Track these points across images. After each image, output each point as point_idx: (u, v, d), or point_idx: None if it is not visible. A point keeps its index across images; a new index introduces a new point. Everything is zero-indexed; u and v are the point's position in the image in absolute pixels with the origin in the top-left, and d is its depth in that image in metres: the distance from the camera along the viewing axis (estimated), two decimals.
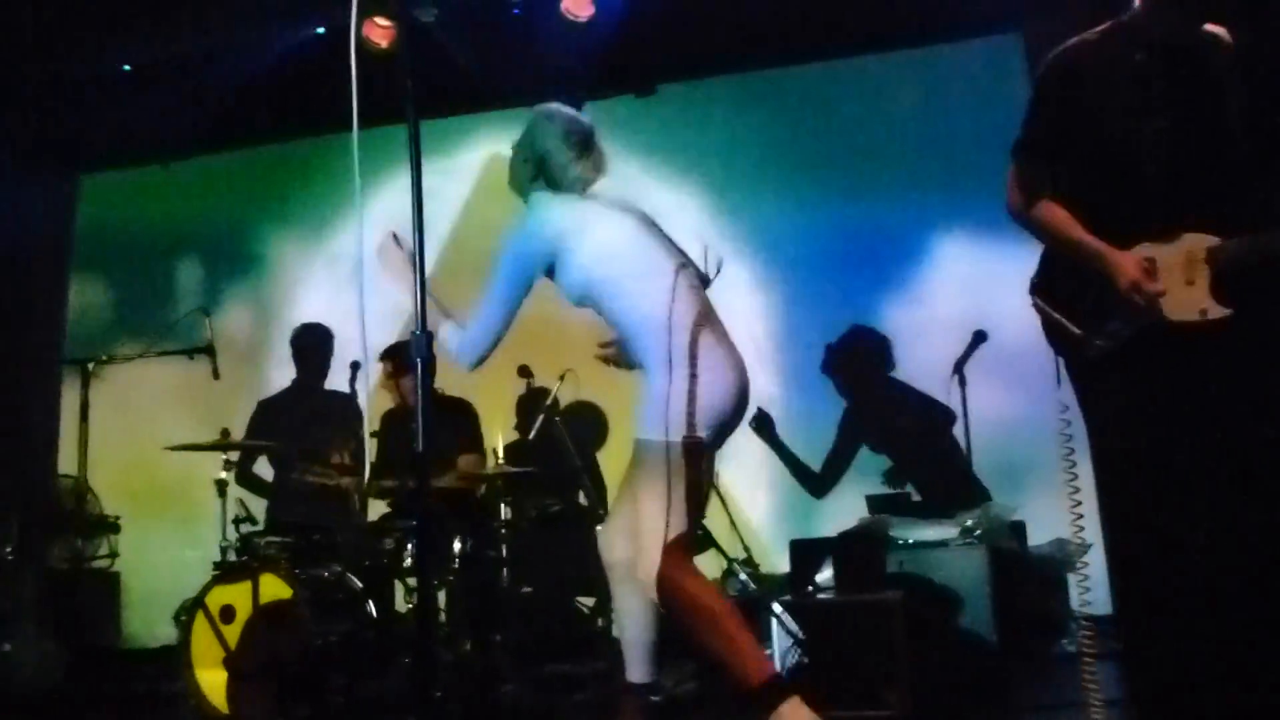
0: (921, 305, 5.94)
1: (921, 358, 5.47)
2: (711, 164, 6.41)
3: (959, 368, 5.11)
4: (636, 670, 3.23)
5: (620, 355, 3.23)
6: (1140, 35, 2.70)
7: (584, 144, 3.25)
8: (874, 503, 4.91)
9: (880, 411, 5.29)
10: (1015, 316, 3.11)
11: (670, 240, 3.20)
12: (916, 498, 5.04)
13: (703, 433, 2.89)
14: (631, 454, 2.99)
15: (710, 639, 2.86)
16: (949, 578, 4.16)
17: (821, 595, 3.99)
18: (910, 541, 4.31)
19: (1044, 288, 2.79)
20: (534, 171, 3.23)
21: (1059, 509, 2.90)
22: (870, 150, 6.15)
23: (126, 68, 5.96)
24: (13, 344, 6.79)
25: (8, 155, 6.60)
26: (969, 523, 4.33)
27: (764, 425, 5.27)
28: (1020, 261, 2.92)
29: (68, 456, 6.52)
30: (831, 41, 6.08)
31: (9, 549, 4.74)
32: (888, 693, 3.70)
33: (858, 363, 5.29)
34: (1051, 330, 2.77)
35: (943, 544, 4.29)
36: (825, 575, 4.27)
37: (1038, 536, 4.71)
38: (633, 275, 3.04)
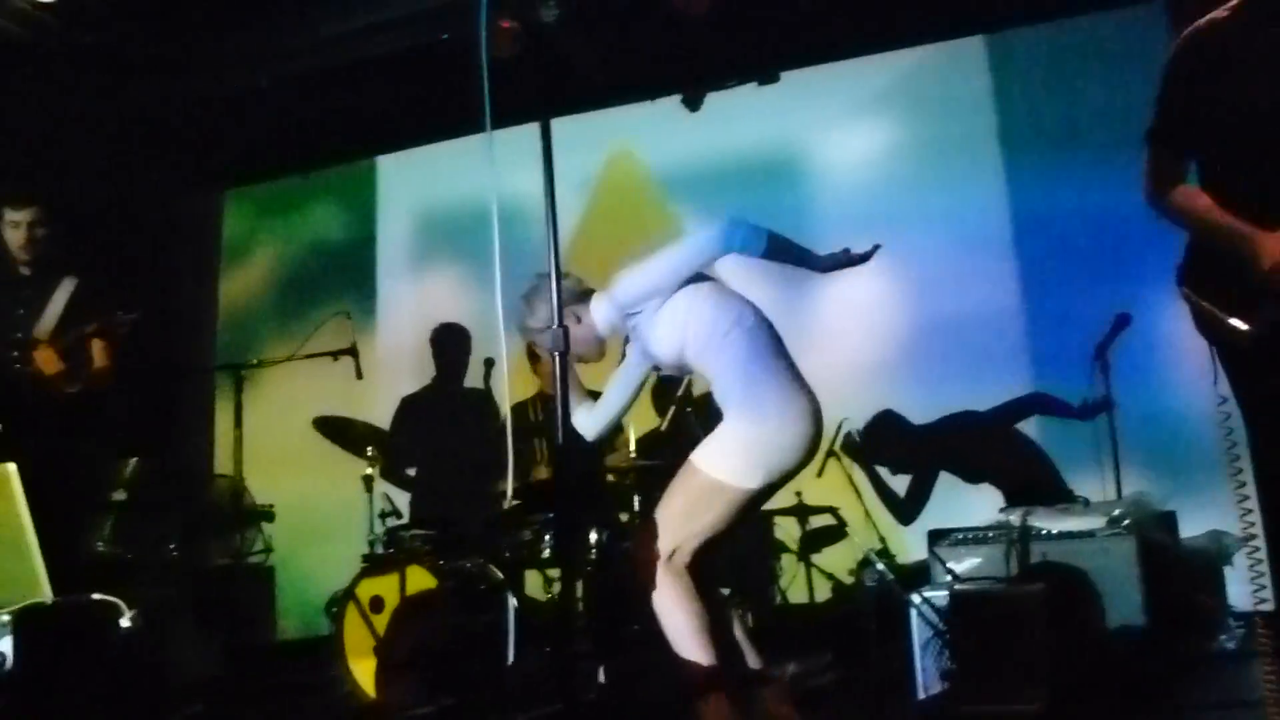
0: (1059, 287, 5.77)
1: (1061, 340, 5.35)
2: (837, 151, 6.34)
3: (1100, 352, 4.96)
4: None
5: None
6: None
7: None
8: (1013, 493, 4.81)
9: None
10: (1162, 300, 3.02)
11: (729, 291, 3.37)
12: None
13: (767, 481, 3.07)
14: (684, 467, 3.12)
15: (680, 644, 3.03)
16: (1095, 570, 4.03)
17: (961, 586, 3.92)
18: (1054, 532, 4.19)
19: (1192, 276, 2.70)
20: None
21: (1212, 500, 2.80)
22: (999, 131, 6.01)
23: (264, 84, 6.18)
24: (168, 352, 7.14)
25: (156, 174, 6.93)
26: (1116, 512, 4.18)
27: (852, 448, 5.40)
28: (1164, 243, 2.83)
29: (223, 457, 6.84)
30: (954, 19, 5.95)
31: (172, 546, 4.97)
32: (1030, 687, 3.63)
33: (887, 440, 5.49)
34: (1201, 319, 2.67)
35: (1089, 535, 4.15)
36: (965, 566, 4.21)
37: (1190, 528, 4.54)
38: (703, 335, 3.20)
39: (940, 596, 3.85)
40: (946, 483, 5.49)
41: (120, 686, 2.74)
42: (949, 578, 4.09)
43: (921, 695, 3.79)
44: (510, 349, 3.20)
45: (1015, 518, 4.25)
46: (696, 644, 3.00)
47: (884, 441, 5.49)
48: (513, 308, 3.30)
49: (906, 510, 5.50)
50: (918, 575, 4.34)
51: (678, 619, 3.02)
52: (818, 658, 4.48)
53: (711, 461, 3.07)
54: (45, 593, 2.30)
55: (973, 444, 5.39)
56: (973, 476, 5.34)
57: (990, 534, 4.25)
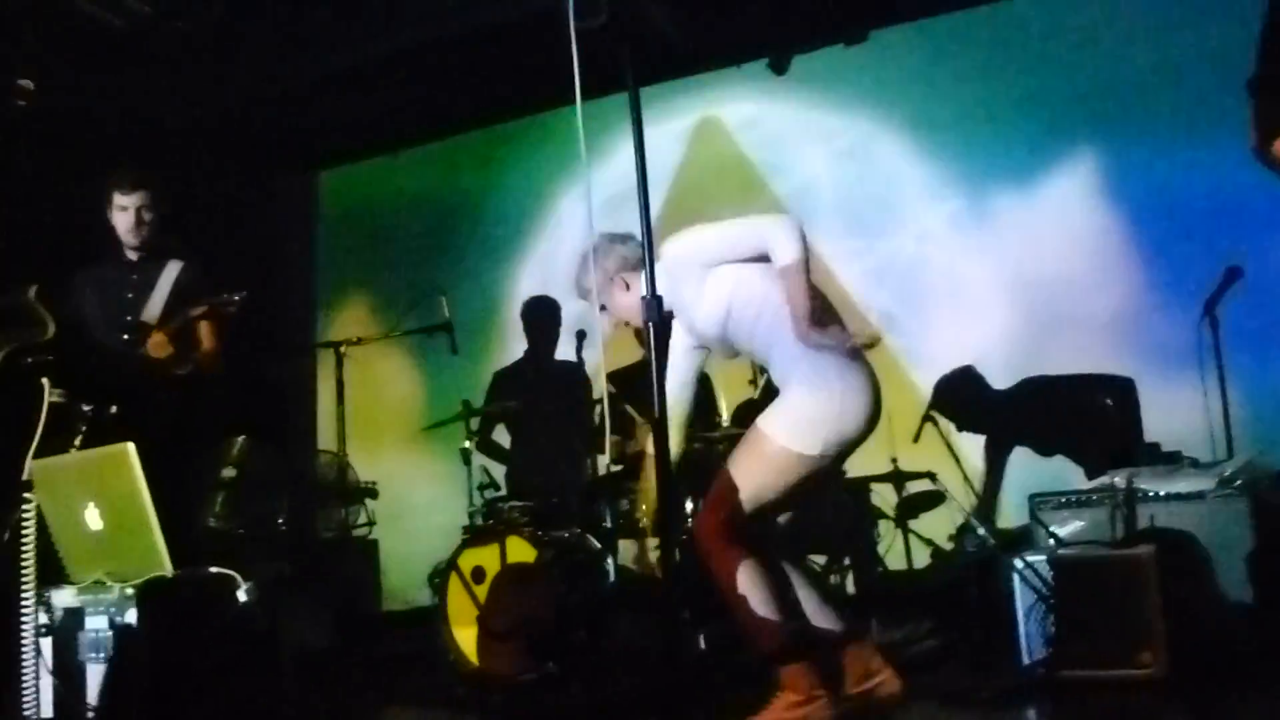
0: (1163, 241, 5.60)
1: (1167, 297, 5.20)
2: (927, 110, 6.22)
3: (1210, 307, 4.80)
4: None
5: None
6: None
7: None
8: (1118, 455, 4.69)
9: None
10: (1275, 250, 2.90)
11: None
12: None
13: (824, 451, 3.06)
14: (751, 432, 3.14)
15: (737, 605, 3.05)
16: (1206, 533, 3.93)
17: (1066, 550, 3.86)
18: (1162, 494, 4.09)
19: None
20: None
21: None
22: (1095, 84, 5.83)
23: (353, 64, 6.28)
24: (270, 333, 7.33)
25: (255, 156, 7.10)
26: (1228, 473, 4.06)
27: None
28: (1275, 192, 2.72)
29: (326, 434, 7.02)
30: None
31: (280, 521, 5.11)
32: (1141, 652, 3.57)
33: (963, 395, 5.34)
34: None
35: (1198, 496, 4.05)
36: (1068, 530, 4.13)
37: None
38: (751, 311, 3.16)
39: (1044, 561, 3.79)
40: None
41: (239, 656, 2.84)
42: (1052, 542, 4.03)
43: (1026, 661, 3.75)
44: (602, 321, 3.23)
45: (1120, 480, 4.15)
46: (759, 599, 3.03)
47: (961, 399, 5.34)
48: (605, 280, 3.32)
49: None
50: (1018, 540, 4.28)
51: (739, 578, 3.04)
52: (920, 624, 4.45)
53: (777, 428, 3.07)
54: (166, 567, 2.39)
55: (1056, 411, 5.21)
56: (1050, 449, 5.17)
57: (1094, 497, 4.17)
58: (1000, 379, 5.36)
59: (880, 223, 6.18)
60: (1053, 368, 5.32)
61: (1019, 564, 3.79)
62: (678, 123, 6.71)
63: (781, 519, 3.29)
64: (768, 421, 3.10)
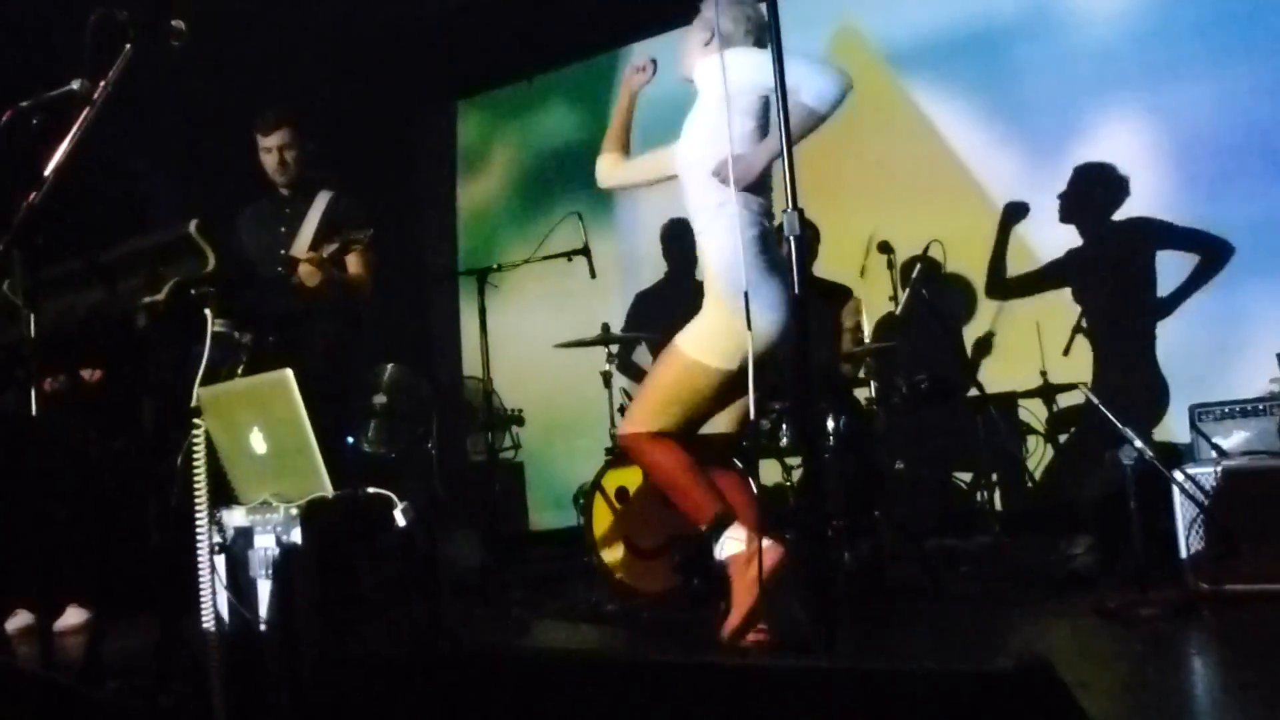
0: None
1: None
2: (1083, 4, 5.89)
3: None
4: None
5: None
6: None
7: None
8: None
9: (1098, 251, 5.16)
10: None
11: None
12: None
13: (731, 365, 3.08)
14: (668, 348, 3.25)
15: (670, 491, 3.22)
16: None
17: (1229, 462, 3.71)
18: None
19: None
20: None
21: None
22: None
23: None
24: (414, 260, 7.51)
25: (395, 86, 7.21)
26: None
27: (1016, 214, 5.44)
28: None
29: (470, 359, 7.18)
30: None
31: (430, 445, 5.26)
32: None
33: (1084, 199, 5.28)
34: None
35: None
36: (1232, 441, 3.96)
37: None
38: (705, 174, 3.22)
39: (1206, 474, 3.66)
40: (1207, 356, 5.14)
41: (400, 573, 2.96)
42: (1214, 454, 3.87)
43: (1188, 576, 3.64)
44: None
45: None
46: (681, 484, 3.14)
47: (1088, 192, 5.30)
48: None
49: (1000, 287, 5.53)
50: (1178, 454, 4.12)
51: (659, 465, 3.16)
52: (1077, 539, 4.36)
53: (687, 341, 3.18)
54: (327, 488, 2.49)
55: None
56: None
57: (1260, 406, 3.98)
58: None
59: (1028, 129, 5.89)
60: None
61: (1180, 476, 3.66)
62: (816, 32, 6.52)
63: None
64: (682, 335, 3.21)
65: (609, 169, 3.72)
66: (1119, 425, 3.88)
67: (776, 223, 3.12)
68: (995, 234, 5.52)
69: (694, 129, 3.28)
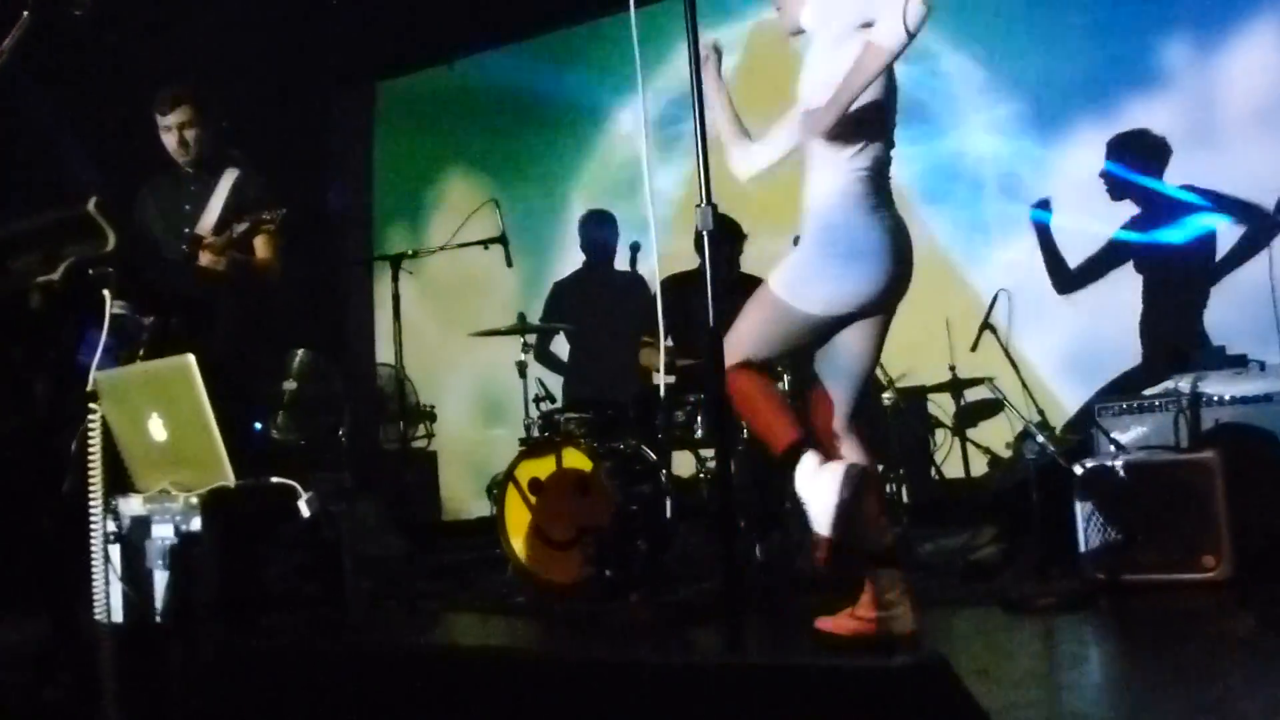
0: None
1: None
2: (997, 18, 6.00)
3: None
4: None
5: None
6: None
7: None
8: (1181, 358, 4.60)
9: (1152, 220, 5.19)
10: None
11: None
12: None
13: (826, 311, 2.99)
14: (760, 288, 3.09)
15: (749, 418, 3.15)
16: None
17: (1129, 457, 3.81)
18: (1227, 398, 4.01)
19: None
20: None
21: None
22: None
23: None
24: (329, 245, 7.38)
25: (313, 67, 7.07)
26: None
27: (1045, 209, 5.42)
28: None
29: (384, 346, 7.09)
30: None
31: (341, 432, 5.18)
32: (1204, 556, 3.55)
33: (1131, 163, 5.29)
34: None
35: (1265, 399, 3.96)
36: (1130, 436, 4.07)
37: None
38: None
39: (1106, 467, 3.75)
40: (1108, 352, 5.29)
41: (304, 564, 2.91)
42: (1113, 449, 3.98)
43: (1087, 567, 3.73)
44: (658, 233, 3.18)
45: (1185, 384, 4.08)
46: (763, 406, 3.03)
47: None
48: (660, 191, 3.27)
49: (1067, 279, 5.49)
50: (1079, 448, 4.23)
51: (744, 391, 3.01)
52: (979, 531, 4.45)
53: (778, 280, 3.04)
54: (229, 477, 2.43)
55: None
56: None
57: (1157, 402, 4.09)
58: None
59: (940, 123, 6.00)
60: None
61: (1079, 470, 3.75)
62: (735, 26, 6.54)
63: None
64: (773, 275, 3.07)
65: (747, 159, 3.38)
66: (1023, 418, 3.96)
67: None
68: (1037, 238, 5.53)
69: (813, 75, 3.06)
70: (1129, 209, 5.38)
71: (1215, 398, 4.01)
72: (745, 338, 3.03)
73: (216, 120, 4.35)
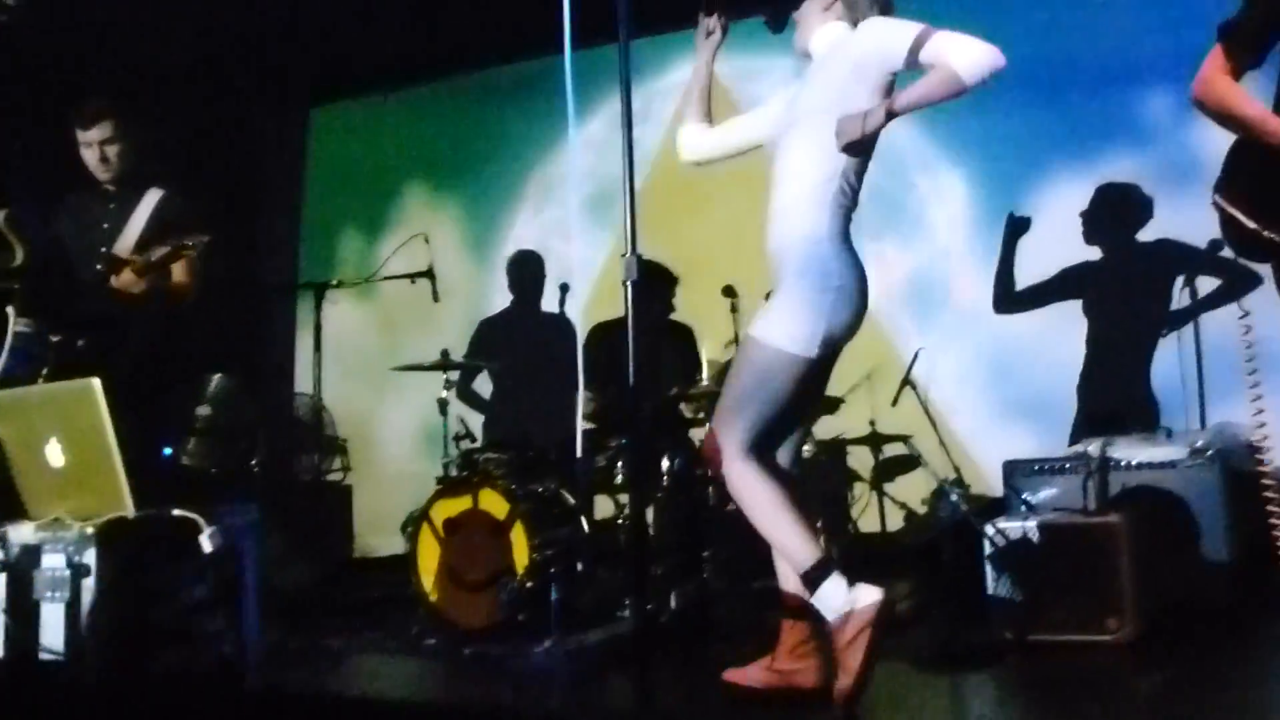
0: None
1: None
2: None
3: (1190, 279, 4.79)
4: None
5: None
6: None
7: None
8: (1092, 422, 4.71)
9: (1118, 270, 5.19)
10: None
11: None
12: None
13: (809, 353, 2.90)
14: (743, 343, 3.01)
15: (764, 530, 2.93)
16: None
17: (1038, 518, 3.87)
18: (1134, 463, 4.10)
19: (1226, 186, 2.61)
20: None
21: None
22: None
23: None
24: (252, 270, 7.25)
25: (242, 90, 6.98)
26: (1200, 442, 4.08)
27: (1021, 227, 5.34)
28: None
29: (304, 376, 6.97)
30: None
31: (254, 462, 5.08)
32: (1108, 618, 3.60)
33: (1108, 216, 5.28)
34: (1230, 228, 2.58)
35: (1170, 465, 4.06)
36: (1041, 497, 4.14)
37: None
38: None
39: (1015, 528, 3.81)
40: (1022, 414, 5.38)
41: (204, 600, 2.82)
42: (1024, 509, 4.04)
43: (995, 625, 3.77)
44: (588, 275, 3.18)
45: (1094, 448, 4.16)
46: (783, 520, 2.88)
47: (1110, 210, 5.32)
48: (586, 231, 3.27)
49: (1008, 300, 5.45)
50: (993, 507, 4.29)
51: (758, 498, 2.90)
52: (897, 586, 4.47)
53: (770, 330, 2.92)
54: (128, 507, 2.36)
55: None
56: None
57: (1067, 465, 4.17)
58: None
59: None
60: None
61: (990, 530, 3.80)
62: (671, 77, 6.61)
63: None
64: (759, 327, 2.95)
65: (695, 139, 3.35)
66: (938, 477, 4.00)
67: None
68: (1001, 244, 5.44)
69: (812, 97, 3.04)
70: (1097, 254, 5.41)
71: (1123, 462, 4.10)
72: (742, 406, 2.92)
73: (141, 137, 4.26)
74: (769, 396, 2.92)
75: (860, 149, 2.98)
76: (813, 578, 2.83)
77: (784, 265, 2.99)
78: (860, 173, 3.05)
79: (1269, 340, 2.61)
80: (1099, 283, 5.34)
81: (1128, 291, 5.27)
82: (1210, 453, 4.03)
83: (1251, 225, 2.51)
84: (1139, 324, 5.23)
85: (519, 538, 4.20)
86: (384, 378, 5.32)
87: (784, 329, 2.91)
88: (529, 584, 4.12)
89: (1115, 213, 5.31)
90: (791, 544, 2.88)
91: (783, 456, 3.14)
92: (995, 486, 4.66)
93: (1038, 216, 5.42)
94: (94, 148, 4.15)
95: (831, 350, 2.99)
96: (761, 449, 2.96)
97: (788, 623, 3.09)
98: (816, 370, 2.99)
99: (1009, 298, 5.44)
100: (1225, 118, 2.58)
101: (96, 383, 2.42)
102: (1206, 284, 4.80)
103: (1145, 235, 5.29)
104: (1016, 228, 5.34)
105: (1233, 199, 2.57)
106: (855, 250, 3.02)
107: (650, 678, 2.43)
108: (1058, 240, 5.39)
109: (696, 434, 5.11)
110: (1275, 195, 2.47)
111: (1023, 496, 4.08)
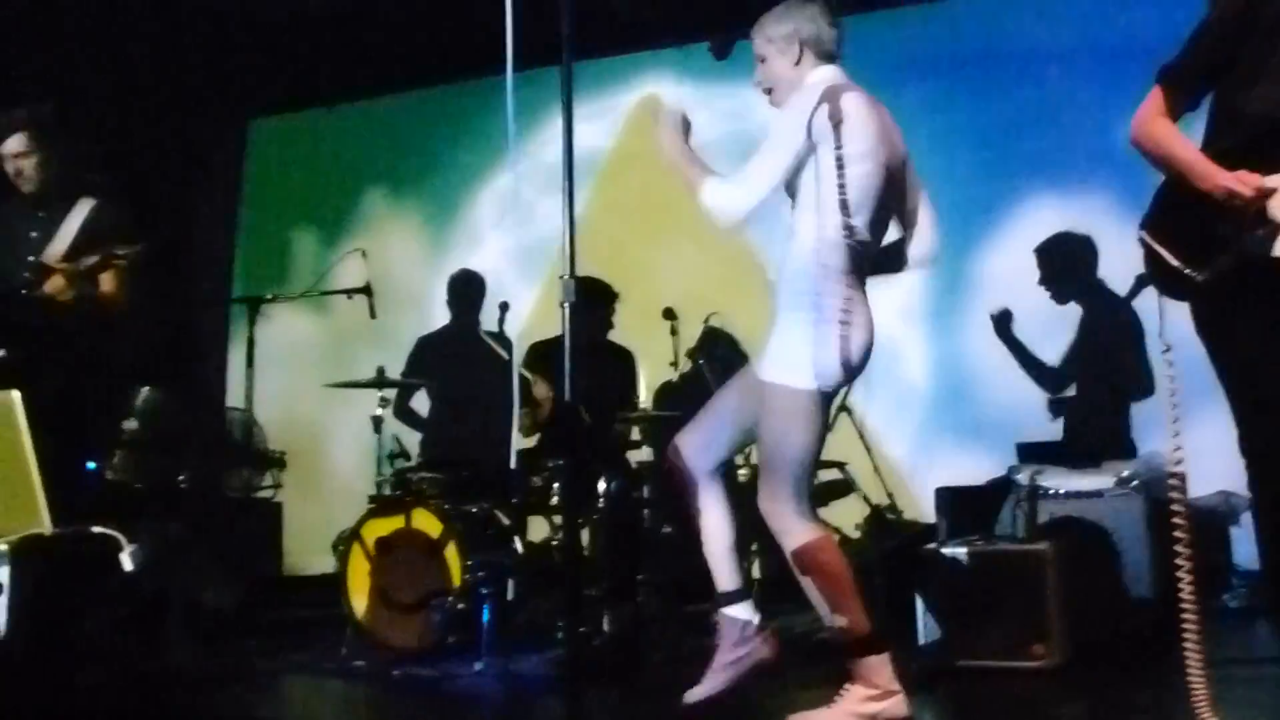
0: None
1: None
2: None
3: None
4: (726, 579, 3.24)
5: None
6: None
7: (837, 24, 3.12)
8: (1024, 451, 4.77)
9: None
10: None
11: None
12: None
13: (814, 385, 2.86)
14: (764, 396, 2.89)
15: (838, 599, 2.98)
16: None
17: (969, 546, 3.91)
18: (1062, 492, 4.17)
19: (1153, 223, 2.66)
20: (797, 56, 3.06)
21: (1223, 458, 2.78)
22: None
23: (291, 12, 6.11)
24: (185, 282, 7.13)
25: (180, 100, 6.88)
26: (1125, 473, 4.16)
27: (1004, 323, 5.30)
28: None
29: (235, 391, 6.86)
30: None
31: (182, 478, 4.98)
32: (1037, 644, 3.65)
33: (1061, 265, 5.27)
34: (1154, 265, 2.65)
35: (1097, 494, 4.14)
36: (972, 524, 4.18)
37: (1201, 487, 4.49)
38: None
39: (946, 555, 3.84)
40: (955, 441, 5.45)
41: (121, 617, 2.76)
42: (956, 536, 4.08)
43: (924, 652, 3.80)
44: (530, 295, 3.16)
45: (1024, 477, 4.23)
46: (860, 602, 2.95)
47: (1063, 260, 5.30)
48: (526, 250, 3.26)
49: (1058, 378, 5.36)
50: (925, 533, 4.33)
51: (846, 585, 2.98)
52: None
53: (784, 371, 2.86)
54: (45, 523, 2.30)
55: None
56: None
57: (998, 492, 4.23)
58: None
59: None
60: None
61: (920, 556, 3.84)
62: (614, 100, 6.64)
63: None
64: (771, 371, 2.88)
65: (724, 195, 3.00)
66: (870, 504, 4.04)
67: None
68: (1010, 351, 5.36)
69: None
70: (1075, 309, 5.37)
71: (1051, 491, 4.16)
72: (796, 468, 2.90)
73: (61, 149, 4.18)
74: (809, 447, 2.91)
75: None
76: (867, 648, 2.94)
77: (781, 293, 2.95)
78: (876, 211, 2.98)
79: (1189, 375, 2.65)
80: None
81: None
82: (1135, 483, 4.12)
83: (1174, 263, 2.56)
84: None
85: (452, 558, 4.16)
86: (319, 394, 5.25)
87: (790, 364, 2.86)
88: (461, 605, 4.08)
89: (1066, 263, 5.30)
90: (854, 610, 2.95)
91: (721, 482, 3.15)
92: (928, 513, 4.72)
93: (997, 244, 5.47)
94: (9, 160, 4.08)
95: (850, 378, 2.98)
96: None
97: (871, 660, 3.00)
98: (824, 400, 2.93)
99: (1052, 376, 5.38)
100: (1160, 158, 2.63)
101: (16, 396, 2.36)
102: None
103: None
104: (1002, 322, 5.32)
105: (1159, 236, 2.62)
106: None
107: (582, 701, 2.41)
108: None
109: (634, 456, 5.12)
110: (1199, 236, 2.53)
111: (954, 524, 4.12)
